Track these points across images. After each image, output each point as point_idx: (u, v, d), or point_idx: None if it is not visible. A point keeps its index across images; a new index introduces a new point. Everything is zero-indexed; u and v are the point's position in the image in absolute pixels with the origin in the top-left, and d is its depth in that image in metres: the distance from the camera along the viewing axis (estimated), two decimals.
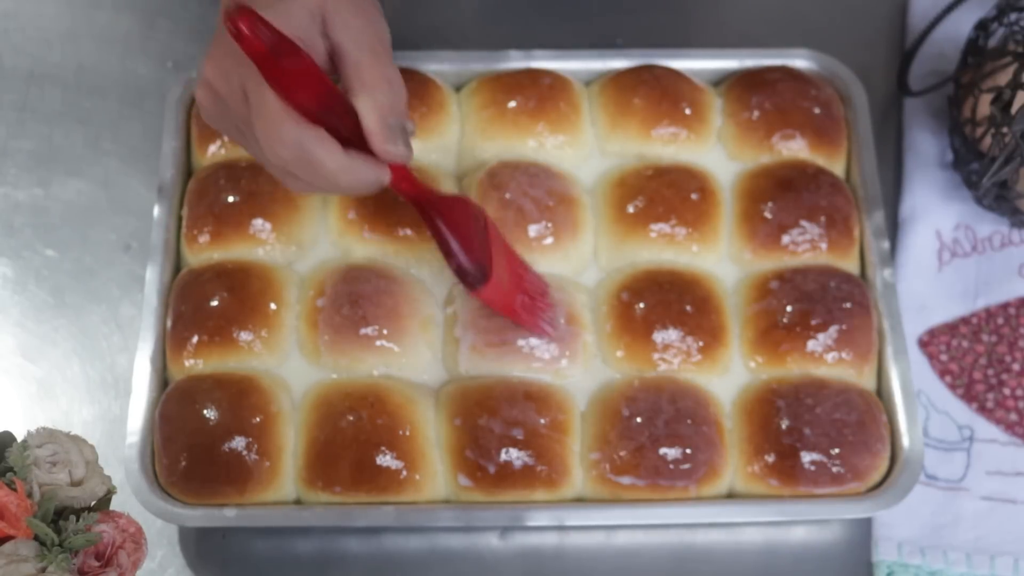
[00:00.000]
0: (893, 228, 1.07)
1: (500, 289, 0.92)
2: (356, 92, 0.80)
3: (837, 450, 0.92)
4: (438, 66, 1.07)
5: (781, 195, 1.01)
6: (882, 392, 0.97)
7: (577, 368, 0.96)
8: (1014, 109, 0.96)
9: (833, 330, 0.96)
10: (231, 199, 0.99)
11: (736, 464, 0.94)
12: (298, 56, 0.77)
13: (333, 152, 0.80)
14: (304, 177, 0.82)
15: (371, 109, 0.80)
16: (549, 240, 0.99)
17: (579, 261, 1.01)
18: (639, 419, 0.93)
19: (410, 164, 0.86)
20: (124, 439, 0.93)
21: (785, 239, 1.00)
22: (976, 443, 0.99)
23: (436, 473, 0.93)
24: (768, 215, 1.00)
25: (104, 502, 0.77)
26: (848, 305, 0.97)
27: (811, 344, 0.96)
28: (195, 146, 1.05)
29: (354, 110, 0.80)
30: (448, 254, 0.90)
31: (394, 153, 0.81)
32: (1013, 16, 1.02)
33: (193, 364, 0.95)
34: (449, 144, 1.05)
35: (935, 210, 1.07)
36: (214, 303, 0.96)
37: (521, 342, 0.95)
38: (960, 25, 1.08)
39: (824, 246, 1.00)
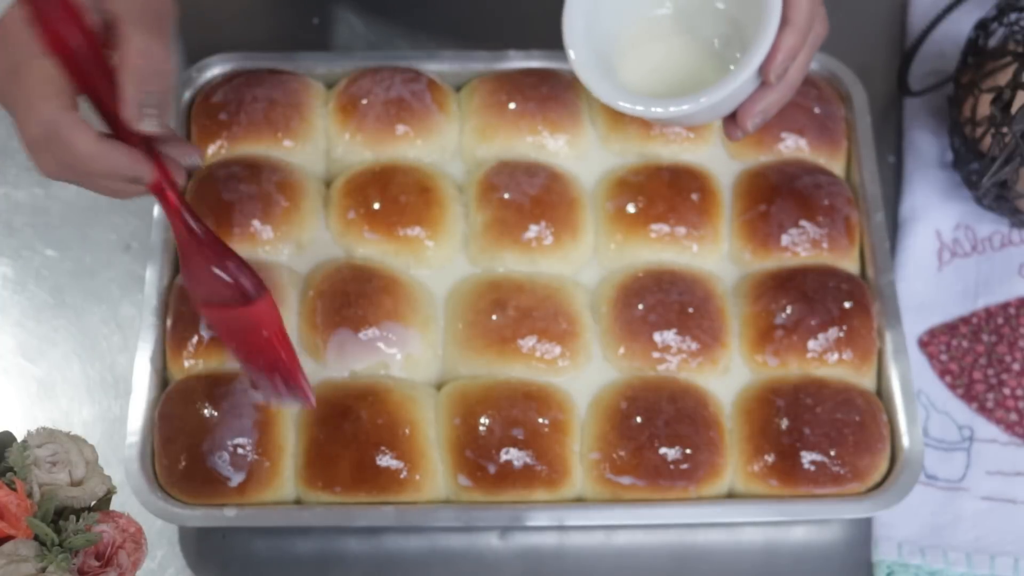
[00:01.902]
0: (893, 228, 1.07)
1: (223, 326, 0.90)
2: (120, 63, 0.79)
3: (837, 450, 0.92)
4: (438, 66, 1.07)
5: (781, 195, 1.01)
6: (882, 392, 0.97)
7: (577, 368, 0.96)
8: (1014, 109, 0.96)
9: (833, 330, 0.96)
10: (231, 199, 0.99)
11: (736, 464, 0.94)
12: (75, 18, 0.77)
13: (87, 135, 0.79)
14: (56, 157, 0.80)
15: (129, 79, 0.79)
16: (549, 240, 0.99)
17: (579, 261, 1.01)
18: (639, 419, 0.93)
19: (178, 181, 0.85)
20: (124, 439, 0.93)
21: (785, 239, 1.00)
22: (976, 443, 0.99)
23: (436, 473, 0.93)
24: (768, 215, 1.00)
25: (104, 502, 0.77)
26: (848, 305, 0.97)
27: (811, 344, 0.96)
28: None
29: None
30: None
31: (143, 125, 0.79)
32: (1013, 16, 1.02)
33: (193, 364, 0.95)
34: (449, 144, 1.05)
35: (935, 210, 1.07)
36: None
37: (521, 342, 0.95)
38: (960, 25, 1.08)
39: (824, 246, 1.00)
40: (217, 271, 0.86)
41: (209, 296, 0.87)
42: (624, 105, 0.87)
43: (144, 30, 0.80)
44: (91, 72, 0.78)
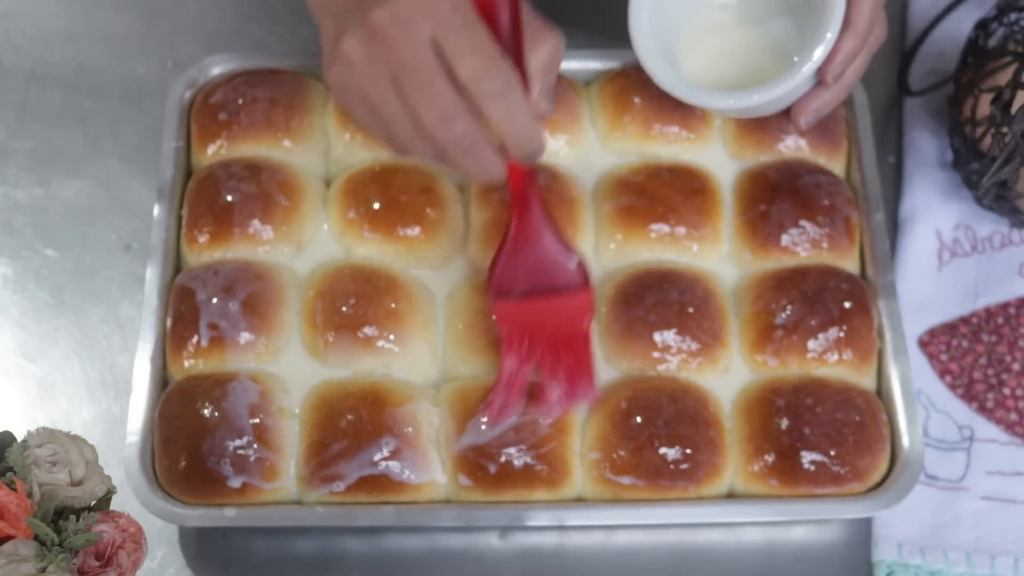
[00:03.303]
0: (893, 228, 1.07)
1: (521, 320, 0.91)
2: (530, 48, 0.83)
3: (837, 450, 0.92)
4: None
5: (781, 195, 1.01)
6: (882, 392, 0.97)
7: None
8: (1014, 109, 0.96)
9: (833, 330, 0.96)
10: (231, 199, 0.99)
11: (736, 464, 0.94)
12: None
13: (528, 99, 0.82)
14: (496, 116, 0.79)
15: (540, 63, 0.84)
16: None
17: None
18: (639, 419, 0.93)
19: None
20: (124, 439, 0.93)
21: (785, 239, 1.00)
22: (976, 443, 0.99)
23: (436, 472, 0.93)
24: (768, 215, 1.00)
25: (104, 502, 0.77)
26: (848, 305, 0.97)
27: (811, 344, 0.96)
28: (195, 146, 1.05)
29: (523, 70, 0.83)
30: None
31: (544, 108, 0.85)
32: (1013, 16, 1.02)
33: (193, 364, 0.95)
34: None
35: (935, 210, 1.07)
36: (214, 303, 0.96)
37: None
38: (960, 25, 1.08)
39: (824, 246, 1.00)
40: (563, 258, 0.91)
41: (533, 286, 0.90)
42: (684, 95, 0.91)
43: (543, 21, 0.84)
44: (506, 45, 0.81)
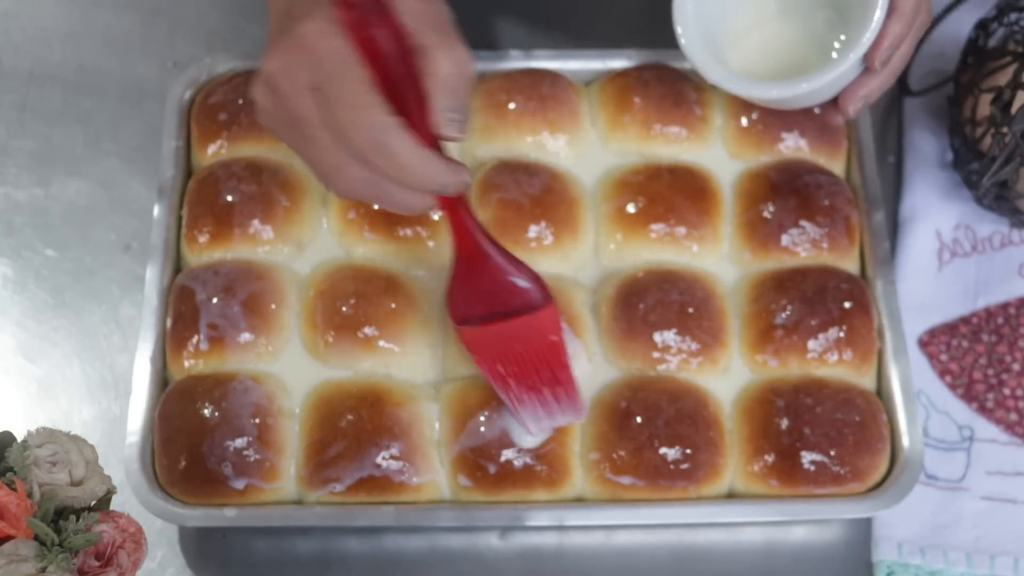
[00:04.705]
0: (893, 228, 1.07)
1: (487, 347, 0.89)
2: (425, 71, 0.79)
3: (837, 450, 0.92)
4: None
5: (781, 195, 1.01)
6: (882, 392, 0.97)
7: (577, 368, 0.96)
8: (1014, 109, 0.96)
9: (833, 330, 0.96)
10: (231, 199, 0.99)
11: (736, 464, 0.94)
12: (388, 22, 0.76)
13: (411, 141, 0.78)
14: (381, 165, 0.78)
15: (439, 88, 0.79)
16: (549, 240, 0.99)
17: (579, 261, 1.01)
18: (639, 419, 0.93)
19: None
20: (124, 439, 0.93)
21: (785, 239, 1.00)
22: (976, 443, 0.99)
23: (436, 473, 0.93)
24: (768, 215, 1.00)
25: (104, 502, 0.77)
26: (848, 305, 0.97)
27: (811, 344, 0.96)
28: (195, 146, 1.05)
29: (421, 95, 0.79)
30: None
31: (447, 131, 0.80)
32: (1013, 16, 1.02)
33: (193, 364, 0.95)
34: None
35: (935, 210, 1.07)
36: (214, 303, 0.96)
37: None
38: (960, 25, 1.08)
39: (824, 246, 1.00)
40: (514, 279, 0.87)
41: (490, 312, 0.87)
42: (733, 87, 0.91)
43: (442, 37, 0.79)
44: (397, 79, 0.77)
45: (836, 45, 0.96)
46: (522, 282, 0.87)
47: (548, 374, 0.89)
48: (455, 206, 0.85)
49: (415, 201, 0.82)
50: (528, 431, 0.91)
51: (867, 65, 0.89)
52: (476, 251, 0.86)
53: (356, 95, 0.76)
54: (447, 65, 0.79)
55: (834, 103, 0.94)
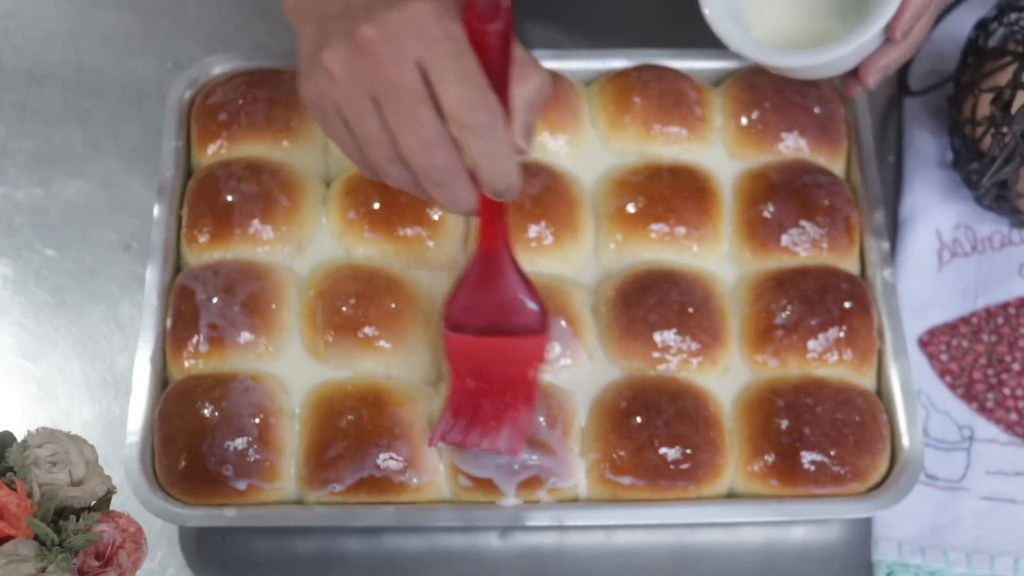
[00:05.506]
0: (893, 228, 1.07)
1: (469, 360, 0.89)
2: (517, 79, 0.79)
3: (837, 450, 0.92)
4: None
5: (781, 195, 1.01)
6: (882, 392, 0.97)
7: (577, 368, 0.96)
8: (1014, 109, 0.96)
9: (833, 330, 0.96)
10: (231, 199, 0.99)
11: (736, 464, 0.94)
12: (505, 22, 0.76)
13: (507, 130, 0.78)
14: (478, 149, 0.77)
15: (525, 99, 0.79)
16: (549, 240, 0.99)
17: (578, 261, 1.01)
18: (639, 419, 0.93)
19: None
20: (124, 439, 0.93)
21: (785, 239, 1.00)
22: (976, 443, 0.99)
23: (436, 473, 0.93)
24: (768, 215, 1.00)
25: (104, 502, 0.77)
26: (848, 305, 0.97)
27: (811, 344, 0.96)
28: (195, 146, 1.05)
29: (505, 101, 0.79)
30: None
31: (522, 145, 0.80)
32: (1013, 16, 1.02)
33: (193, 364, 0.95)
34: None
35: (935, 210, 1.07)
36: (214, 303, 0.96)
37: None
38: (960, 25, 1.08)
39: (824, 246, 1.00)
40: (524, 298, 0.87)
41: (489, 325, 0.87)
42: (756, 55, 0.93)
43: (530, 54, 0.80)
44: (493, 77, 0.77)
45: (858, 16, 0.95)
46: (530, 303, 0.88)
47: (510, 406, 0.89)
48: (497, 210, 0.84)
49: (470, 200, 0.81)
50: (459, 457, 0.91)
51: (888, 36, 0.89)
52: (499, 258, 0.86)
53: (474, 76, 0.76)
54: (537, 80, 0.79)
55: (854, 74, 0.94)
